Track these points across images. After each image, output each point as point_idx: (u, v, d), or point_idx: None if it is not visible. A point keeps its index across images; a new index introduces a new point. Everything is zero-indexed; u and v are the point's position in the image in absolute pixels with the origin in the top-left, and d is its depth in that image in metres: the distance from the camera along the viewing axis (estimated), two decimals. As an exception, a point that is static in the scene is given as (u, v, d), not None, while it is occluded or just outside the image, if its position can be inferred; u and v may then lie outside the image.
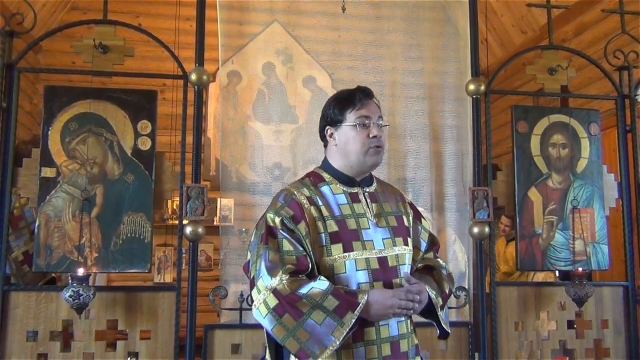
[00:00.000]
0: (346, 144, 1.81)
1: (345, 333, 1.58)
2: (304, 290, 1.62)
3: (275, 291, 1.63)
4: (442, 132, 4.70)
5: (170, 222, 6.01)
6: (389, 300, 1.62)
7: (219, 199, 5.97)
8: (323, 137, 1.89)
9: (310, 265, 1.70)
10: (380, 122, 1.83)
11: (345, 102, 1.83)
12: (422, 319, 1.87)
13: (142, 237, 2.78)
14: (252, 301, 1.69)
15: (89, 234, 2.72)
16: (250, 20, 4.89)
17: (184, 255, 2.93)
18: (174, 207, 5.89)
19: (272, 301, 1.62)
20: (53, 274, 3.21)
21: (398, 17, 4.81)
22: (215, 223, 6.02)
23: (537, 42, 5.33)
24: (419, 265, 1.95)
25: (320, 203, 1.77)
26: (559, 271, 3.23)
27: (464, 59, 3.76)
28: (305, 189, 1.80)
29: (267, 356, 1.77)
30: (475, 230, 3.02)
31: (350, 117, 1.81)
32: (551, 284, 3.34)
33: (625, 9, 3.41)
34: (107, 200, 2.78)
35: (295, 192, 1.78)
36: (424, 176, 4.61)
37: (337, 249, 1.72)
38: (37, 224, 2.72)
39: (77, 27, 3.04)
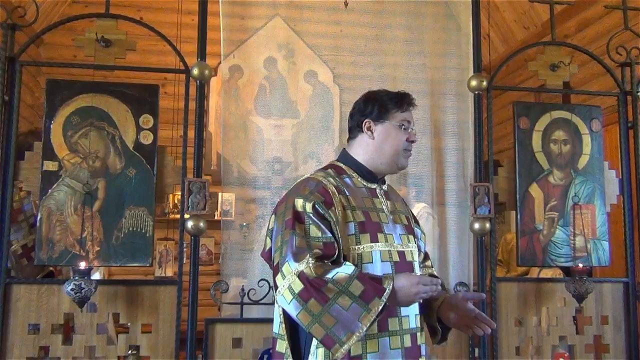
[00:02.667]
0: (384, 141, 1.85)
1: (372, 319, 1.55)
2: (329, 275, 1.60)
3: (301, 275, 1.59)
4: (444, 128, 4.69)
5: (172, 216, 6.04)
6: (415, 287, 1.59)
7: (220, 194, 5.97)
8: (355, 128, 1.90)
9: (337, 252, 1.68)
10: (415, 131, 1.91)
11: (395, 101, 1.86)
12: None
13: (143, 231, 2.78)
14: (276, 288, 1.65)
15: (90, 227, 2.73)
16: (252, 15, 4.88)
17: (185, 249, 2.94)
18: (176, 201, 5.92)
19: (298, 286, 1.59)
20: (51, 268, 3.21)
21: (400, 12, 4.80)
22: (216, 217, 6.03)
23: (539, 38, 5.32)
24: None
25: (347, 193, 1.79)
26: (559, 267, 3.23)
27: (466, 54, 3.76)
28: (330, 178, 1.80)
29: (278, 348, 1.75)
30: (476, 226, 3.03)
31: (396, 117, 1.85)
32: (551, 279, 3.35)
33: (628, 5, 3.40)
34: (109, 194, 2.78)
35: (323, 180, 1.77)
36: (425, 171, 4.61)
37: (365, 239, 1.74)
38: (39, 217, 2.73)
39: (79, 20, 3.03)
